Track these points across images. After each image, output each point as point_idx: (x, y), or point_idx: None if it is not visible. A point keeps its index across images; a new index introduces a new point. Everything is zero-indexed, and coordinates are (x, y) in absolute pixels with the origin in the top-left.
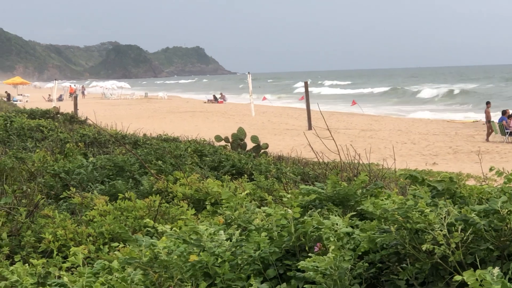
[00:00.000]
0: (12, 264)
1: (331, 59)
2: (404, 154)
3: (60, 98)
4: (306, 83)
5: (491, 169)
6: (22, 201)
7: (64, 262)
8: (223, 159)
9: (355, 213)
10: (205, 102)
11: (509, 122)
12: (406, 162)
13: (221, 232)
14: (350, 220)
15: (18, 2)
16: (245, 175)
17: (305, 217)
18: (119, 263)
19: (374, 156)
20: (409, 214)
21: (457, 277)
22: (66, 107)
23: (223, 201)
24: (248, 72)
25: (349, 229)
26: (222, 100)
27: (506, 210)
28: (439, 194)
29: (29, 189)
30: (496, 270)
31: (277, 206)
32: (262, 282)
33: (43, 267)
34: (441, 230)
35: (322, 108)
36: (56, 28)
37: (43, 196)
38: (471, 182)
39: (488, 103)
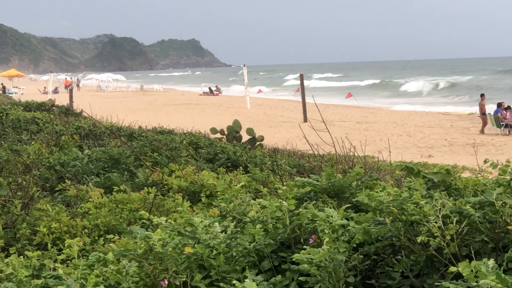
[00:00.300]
0: (7, 256)
1: (326, 51)
2: (399, 147)
3: (55, 91)
4: (301, 76)
5: (485, 161)
6: (17, 193)
7: (59, 255)
8: (218, 152)
9: (350, 205)
10: (200, 95)
11: (504, 115)
12: (401, 154)
13: (216, 224)
14: (345, 212)
15: None
16: (241, 168)
17: (300, 209)
18: (114, 255)
19: (369, 149)
20: (404, 206)
21: (452, 269)
22: (62, 99)
23: (218, 193)
24: (244, 65)
25: (344, 221)
26: (217, 92)
27: (501, 202)
28: (434, 186)
29: (24, 182)
30: (491, 262)
31: (272, 198)
32: (257, 274)
33: (38, 260)
34: (436, 222)
35: (314, 100)
36: (52, 21)
37: (38, 189)
38: (466, 174)
39: (482, 95)
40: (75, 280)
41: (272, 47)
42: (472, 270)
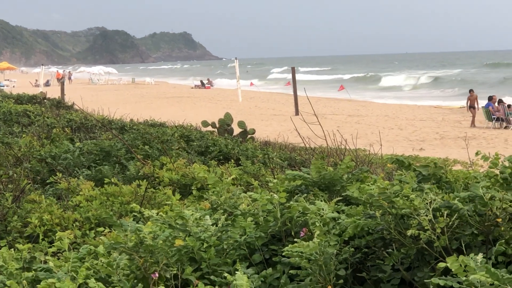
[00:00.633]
0: None
1: (317, 44)
2: (391, 140)
3: (47, 84)
4: (293, 69)
5: (477, 154)
6: (8, 186)
7: (50, 247)
8: (210, 144)
9: (341, 198)
10: (192, 88)
11: (495, 108)
12: (393, 147)
13: (207, 217)
14: (336, 205)
15: None
16: (232, 160)
17: (291, 202)
18: (105, 248)
19: (361, 142)
20: (393, 199)
21: (441, 264)
22: (53, 92)
23: (209, 186)
24: (235, 58)
25: (335, 214)
26: (209, 85)
27: (489, 195)
28: (425, 179)
29: (15, 174)
30: (480, 256)
31: (263, 191)
32: (247, 267)
33: (28, 252)
34: (426, 216)
35: (302, 93)
36: (43, 13)
37: (29, 181)
38: (457, 167)
39: (471, 91)
40: (65, 273)
41: (263, 40)
42: (460, 265)
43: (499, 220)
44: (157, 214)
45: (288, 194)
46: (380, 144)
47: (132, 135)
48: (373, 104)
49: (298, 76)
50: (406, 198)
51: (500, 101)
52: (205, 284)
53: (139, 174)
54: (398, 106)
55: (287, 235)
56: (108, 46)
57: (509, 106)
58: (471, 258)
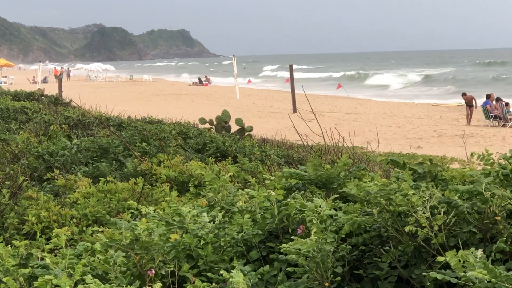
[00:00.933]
0: None
1: (316, 42)
2: (388, 138)
3: (44, 80)
4: (290, 66)
5: (472, 155)
6: (6, 182)
7: (47, 244)
8: (207, 142)
9: (338, 195)
10: (190, 85)
11: (493, 106)
12: (390, 145)
13: (204, 214)
14: (333, 203)
15: None
16: (229, 158)
17: (288, 200)
18: (101, 246)
19: (358, 139)
20: (391, 196)
21: (440, 258)
22: (51, 89)
23: (207, 183)
24: (233, 55)
25: (332, 212)
26: (207, 83)
27: (490, 192)
28: (420, 178)
29: (12, 171)
30: (479, 252)
31: (261, 188)
32: (244, 264)
33: (25, 249)
34: (424, 213)
35: (303, 91)
36: (41, 10)
37: (26, 178)
38: (455, 166)
39: (464, 94)
40: (62, 270)
41: (261, 38)
42: (460, 260)
43: (498, 218)
44: (154, 211)
45: (285, 192)
46: (378, 142)
47: (129, 132)
48: (371, 102)
49: (288, 74)
50: (404, 195)
51: (498, 99)
52: (202, 281)
53: (136, 171)
54: (396, 104)
55: (284, 232)
56: (106, 43)
57: (506, 104)
58: (471, 252)
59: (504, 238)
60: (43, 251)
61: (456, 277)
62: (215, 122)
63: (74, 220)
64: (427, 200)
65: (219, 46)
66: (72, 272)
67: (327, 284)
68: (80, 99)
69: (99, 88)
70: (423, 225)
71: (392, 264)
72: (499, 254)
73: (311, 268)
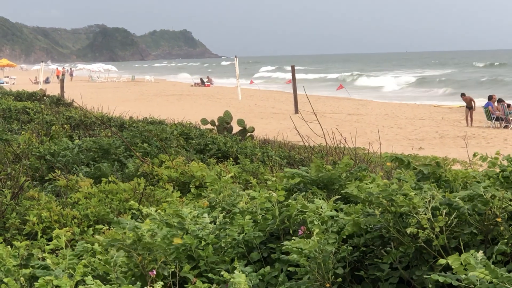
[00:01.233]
0: None
1: (319, 43)
2: (390, 139)
3: (47, 81)
4: (292, 67)
5: (475, 155)
6: (7, 183)
7: (48, 244)
8: (209, 142)
9: (339, 196)
10: (192, 86)
11: (495, 108)
12: (392, 146)
13: (205, 215)
14: (335, 204)
15: None
16: (231, 158)
17: (290, 201)
18: (102, 246)
19: (360, 141)
20: (393, 197)
21: (441, 261)
22: (53, 89)
23: (208, 184)
24: (235, 56)
25: (334, 213)
26: (209, 83)
27: (490, 194)
28: (424, 178)
29: (14, 171)
30: (480, 254)
31: (262, 189)
32: (246, 265)
33: (26, 249)
34: (425, 214)
35: (305, 92)
36: (43, 10)
37: (28, 178)
38: (457, 167)
39: (462, 94)
40: (63, 270)
41: (264, 39)
42: (461, 263)
43: (499, 219)
44: (156, 211)
45: (286, 193)
46: (379, 143)
47: (131, 133)
48: (373, 103)
49: (284, 75)
50: (405, 196)
51: (500, 101)
52: (203, 282)
53: (138, 171)
54: (398, 105)
55: (286, 233)
56: (108, 44)
57: (508, 105)
58: (472, 254)
59: (505, 240)
60: (44, 251)
61: (457, 279)
62: (217, 123)
63: (76, 220)
64: (429, 201)
65: (221, 46)
66: (72, 272)
67: (328, 285)
68: (82, 100)
69: (101, 88)
70: (424, 226)
71: (393, 266)
72: (500, 255)
73: (312, 269)
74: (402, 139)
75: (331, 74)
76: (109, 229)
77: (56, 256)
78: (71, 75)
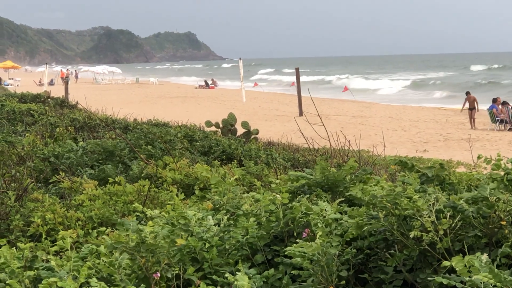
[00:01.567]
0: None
1: (325, 45)
2: (394, 141)
3: (51, 83)
4: (297, 70)
5: (479, 157)
6: (11, 185)
7: (52, 246)
8: (213, 144)
9: (343, 199)
10: (196, 88)
11: (500, 110)
12: (396, 149)
13: (209, 217)
14: (339, 206)
15: None
16: (235, 161)
17: (294, 203)
18: (107, 248)
19: (364, 143)
20: (397, 200)
21: (446, 263)
22: (57, 91)
23: (212, 186)
24: (240, 58)
25: (338, 215)
26: (213, 86)
27: (495, 197)
28: (428, 181)
29: (18, 173)
30: (485, 256)
31: (266, 191)
32: (249, 268)
33: (30, 251)
34: (429, 217)
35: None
36: (48, 12)
37: (32, 180)
38: (461, 169)
39: (467, 93)
40: (67, 272)
41: (269, 41)
42: (465, 265)
43: (503, 222)
44: (160, 213)
45: (290, 195)
46: (384, 146)
47: (135, 135)
48: (377, 105)
49: (282, 78)
50: (409, 199)
51: (505, 103)
52: (207, 284)
53: (142, 174)
54: (402, 108)
55: (290, 235)
56: (113, 46)
57: None
58: (477, 257)
59: (510, 243)
60: (48, 253)
61: (462, 282)
62: (221, 125)
63: (80, 222)
64: (433, 204)
65: (227, 48)
66: (77, 274)
67: None
68: (86, 102)
69: (106, 90)
70: (428, 229)
71: (397, 268)
72: (504, 258)
73: (316, 272)
74: (407, 141)
75: (328, 77)
76: (113, 231)
77: (61, 258)
78: (76, 77)
